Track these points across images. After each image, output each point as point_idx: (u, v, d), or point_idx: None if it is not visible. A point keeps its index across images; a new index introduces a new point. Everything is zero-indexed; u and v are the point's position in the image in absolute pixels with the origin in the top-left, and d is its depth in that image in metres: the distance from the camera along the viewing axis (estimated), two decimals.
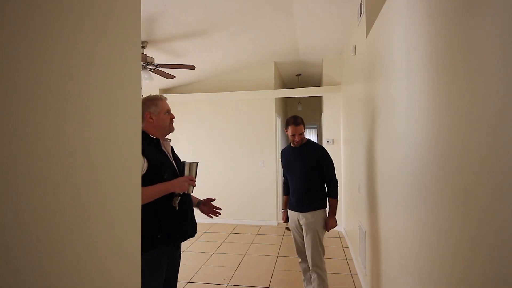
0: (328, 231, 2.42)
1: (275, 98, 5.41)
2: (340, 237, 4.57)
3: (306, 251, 2.43)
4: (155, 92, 5.50)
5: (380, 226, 2.20)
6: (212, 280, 3.21)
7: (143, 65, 3.30)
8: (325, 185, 2.46)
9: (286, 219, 2.68)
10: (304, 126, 2.47)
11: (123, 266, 0.81)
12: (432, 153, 1.22)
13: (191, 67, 3.39)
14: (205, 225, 5.27)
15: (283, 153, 2.65)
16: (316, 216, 2.39)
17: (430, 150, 1.23)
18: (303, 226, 2.43)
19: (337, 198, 2.42)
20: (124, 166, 0.85)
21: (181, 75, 4.94)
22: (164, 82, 5.22)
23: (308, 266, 2.46)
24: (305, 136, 2.52)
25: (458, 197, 1.00)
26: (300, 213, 2.44)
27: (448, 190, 1.07)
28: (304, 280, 2.59)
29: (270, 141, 5.32)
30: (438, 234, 1.17)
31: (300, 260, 2.58)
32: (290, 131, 2.41)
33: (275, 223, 5.26)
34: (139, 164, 0.95)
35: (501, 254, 0.77)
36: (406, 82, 1.53)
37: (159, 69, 3.58)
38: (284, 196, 2.74)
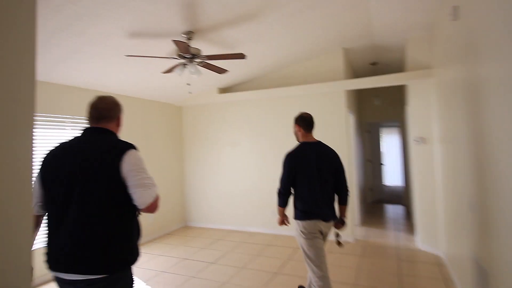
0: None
1: (346, 91, 4.60)
2: (438, 264, 3.54)
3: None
4: (213, 92, 5.21)
5: None
6: None
7: (188, 58, 2.93)
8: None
9: None
10: (294, 123, 2.44)
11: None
12: None
13: (241, 56, 2.90)
14: (269, 236, 4.73)
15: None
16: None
17: None
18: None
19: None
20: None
21: (235, 72, 4.53)
22: (222, 81, 4.88)
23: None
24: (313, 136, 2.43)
25: None
26: None
27: None
28: None
29: (341, 140, 4.52)
30: None
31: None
32: None
33: (350, 239, 4.43)
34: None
35: None
36: None
37: (208, 63, 3.18)
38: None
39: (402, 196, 6.99)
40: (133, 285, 1.45)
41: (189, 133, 5.74)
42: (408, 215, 5.79)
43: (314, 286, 2.21)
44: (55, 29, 2.48)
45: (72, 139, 1.45)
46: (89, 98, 1.59)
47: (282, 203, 2.32)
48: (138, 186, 1.35)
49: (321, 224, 2.21)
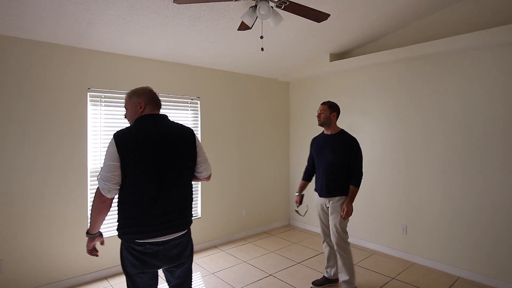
0: (344, 218, 2.52)
1: None
2: None
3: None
4: (323, 60, 3.96)
5: None
6: None
7: None
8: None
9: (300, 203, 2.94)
10: (329, 108, 2.63)
11: None
12: None
13: None
14: (400, 263, 3.25)
15: (314, 140, 2.84)
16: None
17: None
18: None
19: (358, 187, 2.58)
20: None
21: (354, 25, 3.13)
22: (333, 43, 3.57)
23: (332, 245, 2.73)
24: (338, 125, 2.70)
25: None
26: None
27: None
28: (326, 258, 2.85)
29: None
30: None
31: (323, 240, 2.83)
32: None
33: None
34: None
35: None
36: None
37: (292, 2, 2.04)
38: (302, 181, 2.94)
39: None
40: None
41: (296, 114, 4.72)
42: None
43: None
44: None
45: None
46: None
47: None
48: None
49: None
